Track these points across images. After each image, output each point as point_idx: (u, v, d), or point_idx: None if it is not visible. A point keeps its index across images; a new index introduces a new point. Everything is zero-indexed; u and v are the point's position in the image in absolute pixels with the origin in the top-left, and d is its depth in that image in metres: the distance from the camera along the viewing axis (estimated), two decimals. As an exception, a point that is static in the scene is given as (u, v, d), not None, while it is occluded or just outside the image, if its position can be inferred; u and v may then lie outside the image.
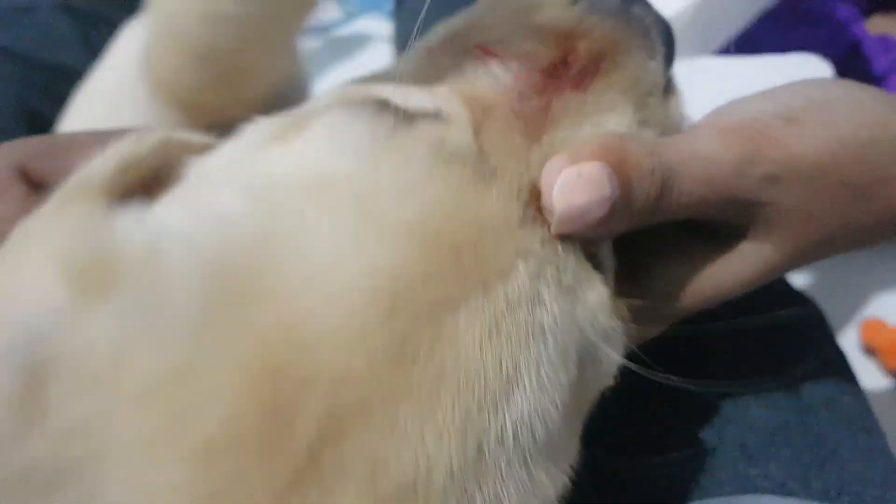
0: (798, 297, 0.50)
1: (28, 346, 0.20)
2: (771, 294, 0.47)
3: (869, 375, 0.70)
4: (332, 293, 0.20)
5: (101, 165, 0.25)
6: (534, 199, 0.24)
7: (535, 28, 0.29)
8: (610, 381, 0.27)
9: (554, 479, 0.23)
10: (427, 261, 0.21)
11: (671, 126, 0.30)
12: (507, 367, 0.21)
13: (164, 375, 0.19)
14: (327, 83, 0.96)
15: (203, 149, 0.28)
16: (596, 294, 0.25)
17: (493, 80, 0.28)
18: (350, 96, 0.27)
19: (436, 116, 0.26)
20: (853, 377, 0.44)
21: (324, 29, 1.01)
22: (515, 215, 0.23)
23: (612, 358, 0.25)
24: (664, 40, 0.30)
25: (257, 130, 0.28)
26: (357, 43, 1.00)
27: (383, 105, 0.25)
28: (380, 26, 1.01)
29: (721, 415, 0.39)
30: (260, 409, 0.19)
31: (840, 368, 0.43)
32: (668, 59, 0.30)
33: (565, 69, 0.28)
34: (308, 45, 1.02)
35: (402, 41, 0.87)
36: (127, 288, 0.21)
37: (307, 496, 0.19)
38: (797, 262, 0.31)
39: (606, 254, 0.27)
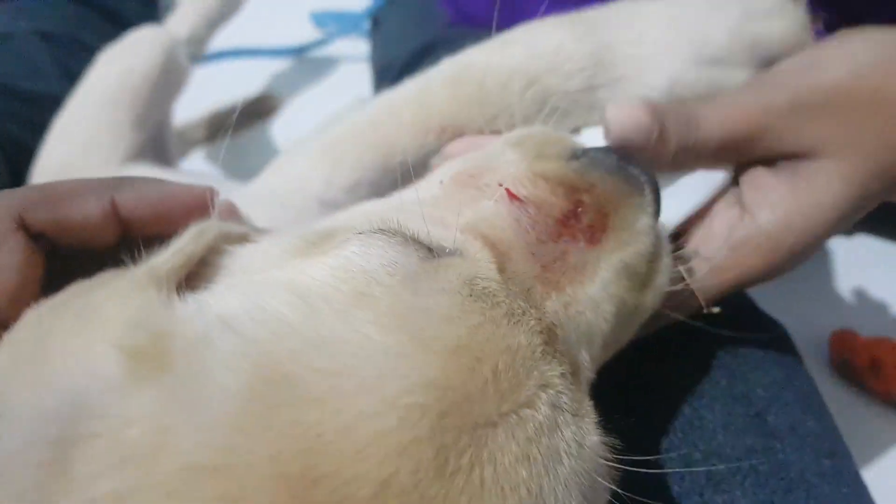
0: (767, 322, 0.51)
1: (70, 414, 0.21)
2: (740, 318, 0.48)
3: (840, 389, 0.71)
4: (383, 403, 0.21)
5: (168, 259, 0.27)
6: (551, 341, 0.27)
7: (544, 177, 0.32)
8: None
9: None
10: (470, 382, 0.23)
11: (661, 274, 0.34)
12: (534, 487, 0.23)
13: (199, 466, 0.20)
14: (306, 104, 0.97)
15: (241, 238, 0.31)
16: (591, 420, 0.27)
17: (512, 221, 0.30)
18: (380, 225, 0.28)
19: (459, 254, 0.28)
20: (820, 400, 0.45)
21: (301, 50, 1.02)
22: (539, 351, 0.25)
23: (605, 485, 0.27)
24: (655, 197, 0.33)
25: (290, 235, 0.30)
26: (334, 64, 1.01)
27: (412, 238, 0.28)
28: (356, 47, 1.02)
29: (687, 441, 0.40)
30: None
31: (807, 392, 0.44)
32: (657, 212, 0.33)
33: (575, 220, 0.31)
34: (286, 66, 1.03)
35: (378, 63, 0.87)
36: (177, 372, 0.22)
37: None
38: (864, 199, 0.35)
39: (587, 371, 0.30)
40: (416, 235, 0.28)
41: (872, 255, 0.84)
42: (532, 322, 0.26)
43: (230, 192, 0.40)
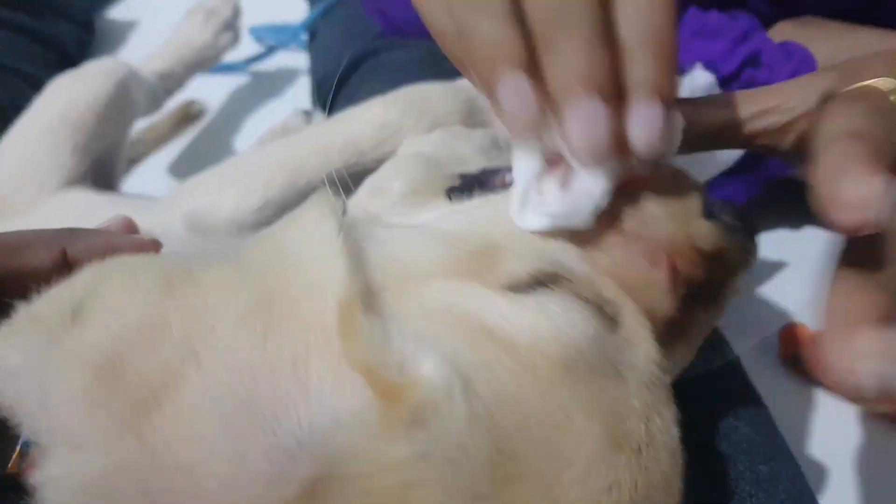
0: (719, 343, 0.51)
1: (325, 454, 0.21)
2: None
3: (792, 385, 0.71)
4: (588, 497, 0.23)
5: (343, 270, 0.26)
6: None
7: (695, 247, 0.33)
8: None
9: None
10: (642, 472, 0.25)
11: None
12: None
13: None
14: (255, 117, 0.96)
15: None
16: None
17: (668, 293, 0.32)
18: (574, 292, 0.29)
19: (619, 319, 0.29)
20: (756, 402, 0.45)
21: (246, 63, 1.01)
22: (672, 426, 0.28)
23: None
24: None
25: (422, 233, 0.32)
26: (280, 76, 1.00)
27: (597, 304, 0.29)
28: (298, 59, 1.01)
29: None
30: None
31: (741, 395, 0.46)
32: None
33: (701, 287, 0.33)
34: (232, 80, 1.01)
35: (315, 76, 0.87)
36: (432, 429, 0.22)
37: None
38: None
39: None
40: (604, 300, 0.29)
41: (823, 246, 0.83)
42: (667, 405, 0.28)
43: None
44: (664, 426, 0.27)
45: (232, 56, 0.99)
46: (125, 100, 0.70)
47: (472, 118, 0.51)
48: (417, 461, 0.21)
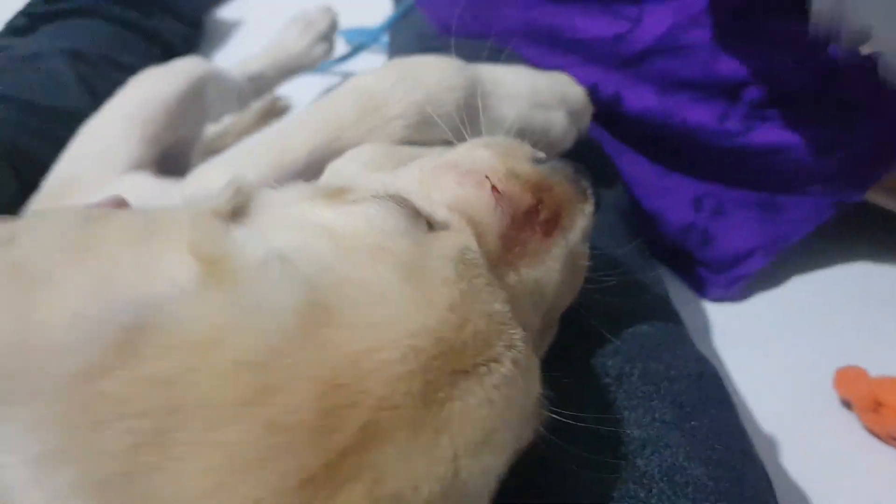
0: (699, 358, 0.48)
1: (144, 305, 0.26)
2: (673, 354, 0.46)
3: (848, 431, 0.65)
4: (392, 339, 0.27)
5: (222, 195, 0.34)
6: (513, 309, 0.32)
7: (517, 175, 0.38)
8: (525, 445, 0.33)
9: None
10: (456, 336, 0.29)
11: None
12: (488, 426, 0.29)
13: (249, 361, 0.25)
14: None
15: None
16: (537, 380, 0.33)
17: (491, 209, 0.36)
18: (392, 193, 0.35)
19: (448, 228, 0.35)
20: (730, 445, 0.42)
21: (331, 63, 1.04)
22: (507, 317, 0.31)
23: (534, 426, 0.33)
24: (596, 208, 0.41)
25: (299, 186, 0.37)
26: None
27: (415, 208, 0.34)
28: (381, 60, 1.02)
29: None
30: (318, 409, 0.25)
31: (703, 433, 0.42)
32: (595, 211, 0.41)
33: (535, 214, 0.38)
34: (317, 80, 1.05)
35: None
36: (242, 286, 0.27)
37: (327, 483, 0.25)
38: None
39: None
40: (419, 208, 0.34)
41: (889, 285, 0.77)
42: (502, 293, 0.32)
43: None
44: (476, 292, 0.31)
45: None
46: (199, 97, 0.74)
47: (471, 98, 0.50)
48: (229, 309, 0.26)
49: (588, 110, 0.61)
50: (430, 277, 0.30)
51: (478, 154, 0.40)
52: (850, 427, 0.65)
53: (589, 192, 0.41)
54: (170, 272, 0.27)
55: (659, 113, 0.73)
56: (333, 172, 0.45)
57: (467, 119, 0.48)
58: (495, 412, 0.29)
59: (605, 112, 0.73)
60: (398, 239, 0.31)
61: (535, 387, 0.33)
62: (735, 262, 0.76)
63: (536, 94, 0.56)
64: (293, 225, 0.33)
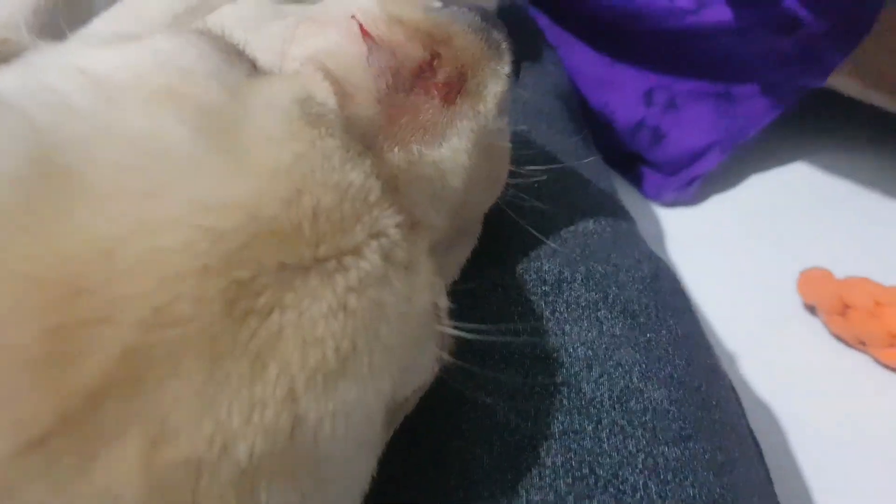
0: (651, 256, 0.41)
1: None
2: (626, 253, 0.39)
3: (812, 336, 0.60)
4: (173, 216, 0.18)
5: None
6: (390, 189, 0.23)
7: (401, 21, 0.29)
8: (427, 378, 0.25)
9: (350, 489, 0.22)
10: (284, 215, 0.19)
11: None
12: (346, 345, 0.20)
13: None
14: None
15: None
16: (433, 288, 0.24)
17: (361, 59, 0.27)
18: (201, 28, 0.25)
19: (289, 74, 0.25)
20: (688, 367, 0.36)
21: None
22: (375, 195, 0.22)
23: (433, 351, 0.25)
24: (514, 67, 0.31)
25: (90, 34, 0.27)
26: None
27: (234, 47, 0.24)
28: None
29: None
30: (44, 329, 0.16)
31: (662, 346, 0.35)
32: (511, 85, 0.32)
33: (430, 73, 0.28)
34: None
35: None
36: None
37: (71, 447, 0.16)
38: None
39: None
40: (243, 48, 0.25)
41: (860, 177, 0.71)
42: (369, 163, 0.23)
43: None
44: (323, 157, 0.21)
45: None
46: None
47: None
48: None
49: None
50: (246, 133, 0.20)
51: (352, 1, 0.30)
52: (815, 332, 0.60)
53: (503, 46, 0.31)
54: None
55: (603, -9, 0.65)
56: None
57: None
58: (354, 325, 0.20)
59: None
60: (199, 80, 0.21)
61: (426, 294, 0.24)
62: (689, 161, 0.71)
63: None
64: (42, 68, 0.22)
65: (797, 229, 0.68)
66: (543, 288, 0.35)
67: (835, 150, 0.74)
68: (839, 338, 0.59)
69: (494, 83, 0.30)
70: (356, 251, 0.21)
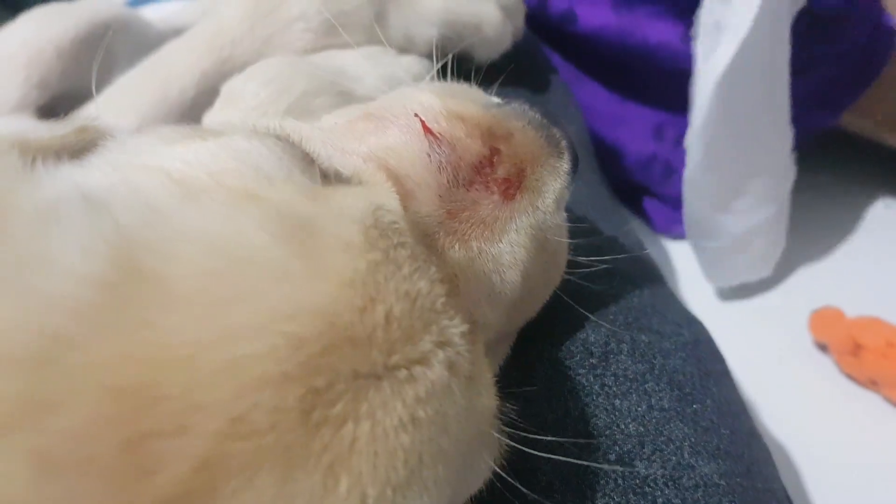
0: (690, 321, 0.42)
1: None
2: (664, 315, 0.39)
3: (823, 375, 0.60)
4: (255, 323, 0.18)
5: (42, 136, 0.25)
6: (453, 293, 0.23)
7: (461, 117, 0.29)
8: (480, 483, 0.25)
9: None
10: (360, 323, 0.19)
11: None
12: (413, 458, 0.20)
13: (11, 358, 0.16)
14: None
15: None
16: (488, 392, 0.24)
17: (423, 156, 0.27)
18: (277, 132, 0.26)
19: (357, 182, 0.25)
20: (734, 428, 0.36)
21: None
22: (440, 302, 0.22)
23: (489, 464, 0.24)
24: (573, 165, 0.31)
25: (170, 130, 0.26)
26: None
27: (307, 153, 0.25)
28: None
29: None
30: (122, 439, 0.16)
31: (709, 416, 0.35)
32: (572, 182, 0.32)
33: (490, 169, 0.28)
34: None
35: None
36: (10, 243, 0.18)
37: None
38: None
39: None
40: (315, 154, 0.25)
41: (872, 217, 0.72)
42: (434, 269, 0.23)
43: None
44: (395, 266, 0.22)
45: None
46: (102, 45, 0.66)
47: (382, 21, 0.42)
48: None
49: (521, 5, 0.53)
50: (323, 241, 0.20)
51: (412, 97, 0.30)
52: (826, 371, 0.60)
53: (564, 143, 0.31)
54: None
55: (616, 31, 0.66)
56: (230, 94, 0.37)
57: (382, 17, 0.39)
58: (421, 437, 0.20)
59: (558, 32, 0.65)
60: (278, 185, 0.22)
61: (486, 400, 0.24)
62: (700, 197, 0.70)
63: None
64: (127, 165, 0.23)
65: (809, 268, 0.68)
66: (591, 360, 0.35)
67: (846, 190, 0.75)
68: (851, 377, 0.59)
69: (554, 179, 0.30)
70: (425, 361, 0.21)
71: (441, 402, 0.21)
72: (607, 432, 0.32)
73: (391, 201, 0.24)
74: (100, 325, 0.17)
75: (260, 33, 0.40)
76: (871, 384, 0.58)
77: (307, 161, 0.24)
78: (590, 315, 0.36)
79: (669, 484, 0.31)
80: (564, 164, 0.31)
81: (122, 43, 0.66)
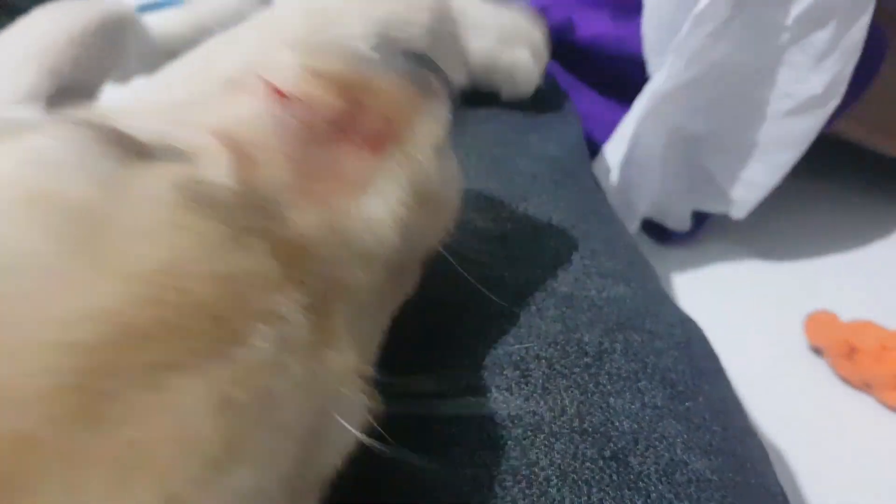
0: (683, 320, 0.42)
1: None
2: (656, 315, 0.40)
3: (819, 380, 0.61)
4: (26, 332, 0.16)
5: None
6: (296, 263, 0.22)
7: (317, 74, 0.27)
8: (340, 460, 0.23)
9: None
10: (158, 316, 0.18)
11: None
12: (230, 441, 0.18)
13: None
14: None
15: None
16: (341, 360, 0.22)
17: (271, 120, 0.25)
18: (73, 117, 0.23)
19: (179, 154, 0.23)
20: (729, 426, 0.36)
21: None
22: (272, 277, 0.21)
23: (349, 434, 0.23)
24: (450, 100, 0.30)
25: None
26: None
27: (115, 132, 0.22)
28: None
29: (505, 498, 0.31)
30: None
31: (702, 413, 0.35)
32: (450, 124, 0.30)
33: (354, 125, 0.26)
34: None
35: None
36: None
37: None
38: None
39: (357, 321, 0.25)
40: (127, 131, 0.22)
41: (865, 222, 0.72)
42: (266, 245, 0.21)
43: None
44: (212, 255, 0.20)
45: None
46: (113, 39, 0.65)
47: (442, 22, 0.42)
48: None
49: (546, 51, 0.55)
50: (115, 230, 0.19)
51: (271, 57, 0.28)
52: (821, 374, 0.61)
53: (436, 85, 0.29)
54: None
55: (614, 40, 0.67)
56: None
57: (436, 48, 0.39)
58: (240, 418, 0.19)
59: (557, 41, 0.66)
60: (65, 176, 0.20)
61: (340, 364, 0.22)
62: (696, 203, 0.71)
63: (502, 27, 0.51)
64: None
65: (803, 272, 0.69)
66: (585, 360, 0.35)
67: (840, 195, 0.76)
68: (845, 380, 0.60)
69: (428, 125, 0.29)
70: (240, 341, 0.19)
71: (266, 379, 0.20)
72: (602, 429, 0.32)
73: (213, 172, 0.22)
74: None
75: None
76: (865, 387, 0.59)
77: (115, 143, 0.21)
78: (583, 316, 0.37)
79: (663, 480, 0.31)
80: (440, 108, 0.29)
81: (132, 40, 0.67)
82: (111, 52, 0.68)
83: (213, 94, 0.28)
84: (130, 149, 0.21)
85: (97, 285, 0.18)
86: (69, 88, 0.65)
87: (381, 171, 0.26)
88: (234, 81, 0.28)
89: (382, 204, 0.26)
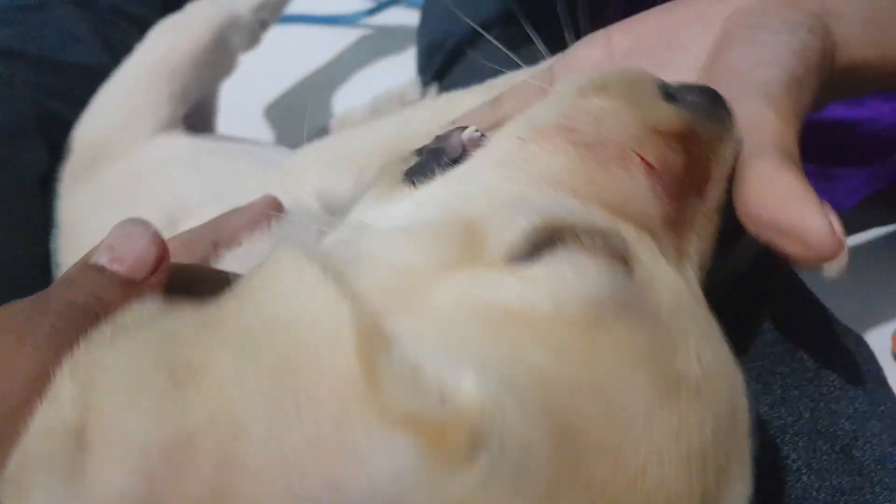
0: (840, 331, 0.46)
1: None
2: (811, 326, 0.44)
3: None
4: (659, 452, 0.21)
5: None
6: None
7: (657, 130, 0.29)
8: None
9: None
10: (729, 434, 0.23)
11: None
12: None
13: None
14: (362, 75, 0.94)
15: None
16: None
17: (651, 195, 0.28)
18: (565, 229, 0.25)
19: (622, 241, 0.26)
20: None
21: (357, 16, 0.98)
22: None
23: None
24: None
25: (403, 235, 0.27)
26: (392, 34, 0.97)
27: (606, 248, 0.25)
28: (414, 17, 0.92)
29: (773, 485, 0.38)
30: None
31: (893, 417, 0.41)
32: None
33: (686, 174, 0.29)
34: (340, 33, 0.99)
35: (426, 39, 0.83)
36: (491, 449, 0.19)
37: None
38: None
39: None
40: (603, 244, 0.25)
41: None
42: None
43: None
44: (714, 353, 0.24)
45: (343, 8, 0.98)
46: (223, 46, 0.70)
47: None
48: (485, 486, 0.19)
49: None
50: (662, 350, 0.23)
51: (595, 107, 0.30)
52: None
53: (730, 121, 0.31)
54: (383, 454, 0.19)
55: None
56: None
57: None
58: None
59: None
60: (609, 309, 0.23)
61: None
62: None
63: None
64: (468, 321, 0.23)
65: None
66: (807, 375, 0.40)
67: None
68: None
69: (729, 160, 0.30)
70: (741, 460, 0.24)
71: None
72: (831, 430, 0.38)
73: (675, 277, 0.26)
74: (567, 492, 0.20)
75: None
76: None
77: (611, 261, 0.25)
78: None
79: (879, 467, 0.38)
80: (733, 143, 0.30)
81: (235, 38, 0.71)
82: (227, 59, 0.73)
83: (548, 154, 0.29)
84: (617, 258, 0.25)
85: (671, 405, 0.22)
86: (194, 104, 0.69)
87: (704, 212, 0.29)
88: (561, 134, 0.29)
89: (710, 235, 0.29)
